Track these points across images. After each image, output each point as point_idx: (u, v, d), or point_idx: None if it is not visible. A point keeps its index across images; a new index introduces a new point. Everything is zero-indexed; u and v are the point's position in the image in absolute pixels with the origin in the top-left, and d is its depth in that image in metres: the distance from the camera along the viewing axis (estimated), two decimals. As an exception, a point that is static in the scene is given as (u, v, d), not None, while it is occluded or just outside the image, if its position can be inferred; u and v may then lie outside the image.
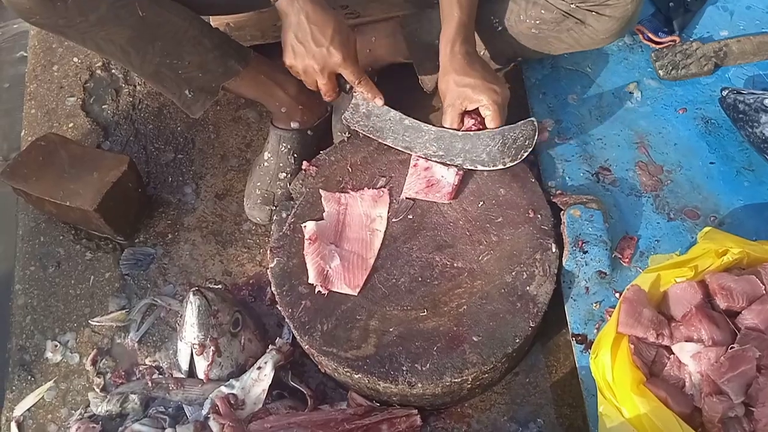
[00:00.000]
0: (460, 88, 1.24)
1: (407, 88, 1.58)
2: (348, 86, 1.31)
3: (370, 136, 1.36)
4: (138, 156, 1.64)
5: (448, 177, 1.30)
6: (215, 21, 1.57)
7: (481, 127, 1.29)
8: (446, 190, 1.30)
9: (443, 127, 1.31)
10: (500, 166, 1.29)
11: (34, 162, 1.47)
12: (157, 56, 1.26)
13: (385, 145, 1.36)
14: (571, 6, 1.29)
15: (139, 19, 1.20)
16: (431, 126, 1.33)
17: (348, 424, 1.20)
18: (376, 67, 1.55)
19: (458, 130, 1.30)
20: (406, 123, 1.34)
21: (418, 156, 1.32)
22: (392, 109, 1.35)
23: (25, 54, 1.87)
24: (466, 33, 1.24)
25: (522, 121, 1.29)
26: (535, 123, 1.29)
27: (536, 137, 1.29)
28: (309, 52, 1.20)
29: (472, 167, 1.30)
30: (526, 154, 1.29)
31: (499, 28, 1.37)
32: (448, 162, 1.30)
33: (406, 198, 1.31)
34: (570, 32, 1.33)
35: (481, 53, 1.40)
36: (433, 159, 1.31)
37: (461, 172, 1.31)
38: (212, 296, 1.26)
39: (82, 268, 1.51)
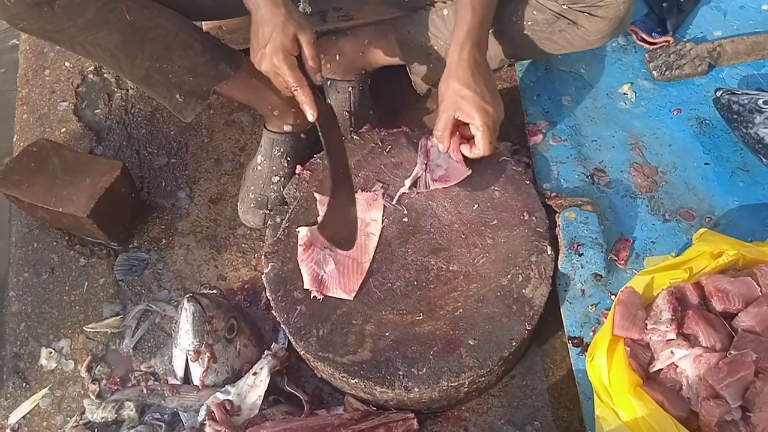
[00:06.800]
0: (456, 97, 1.21)
1: (400, 91, 1.58)
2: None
3: None
4: (131, 161, 1.63)
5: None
6: (207, 25, 1.56)
7: (471, 145, 1.25)
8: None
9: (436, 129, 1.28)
10: None
11: (26, 168, 1.46)
12: (146, 60, 1.25)
13: (379, 147, 1.37)
14: (563, 7, 1.28)
15: (127, 23, 1.19)
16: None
17: (345, 429, 1.19)
18: (369, 70, 1.55)
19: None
20: None
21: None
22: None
23: (17, 41, 1.86)
24: (477, 37, 1.21)
25: None
26: None
27: None
28: (255, 51, 1.17)
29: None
30: None
31: (492, 30, 1.36)
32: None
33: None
34: (562, 33, 1.33)
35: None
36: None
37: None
38: (207, 302, 1.25)
39: (76, 274, 1.51)
